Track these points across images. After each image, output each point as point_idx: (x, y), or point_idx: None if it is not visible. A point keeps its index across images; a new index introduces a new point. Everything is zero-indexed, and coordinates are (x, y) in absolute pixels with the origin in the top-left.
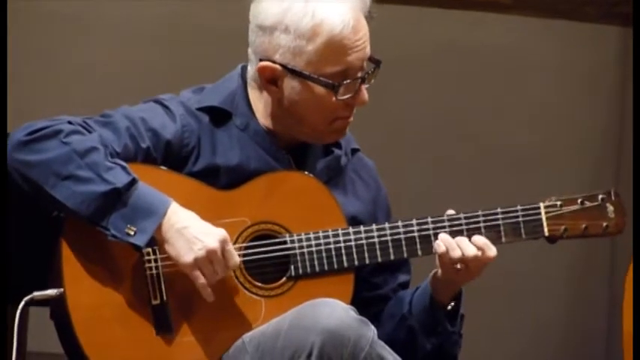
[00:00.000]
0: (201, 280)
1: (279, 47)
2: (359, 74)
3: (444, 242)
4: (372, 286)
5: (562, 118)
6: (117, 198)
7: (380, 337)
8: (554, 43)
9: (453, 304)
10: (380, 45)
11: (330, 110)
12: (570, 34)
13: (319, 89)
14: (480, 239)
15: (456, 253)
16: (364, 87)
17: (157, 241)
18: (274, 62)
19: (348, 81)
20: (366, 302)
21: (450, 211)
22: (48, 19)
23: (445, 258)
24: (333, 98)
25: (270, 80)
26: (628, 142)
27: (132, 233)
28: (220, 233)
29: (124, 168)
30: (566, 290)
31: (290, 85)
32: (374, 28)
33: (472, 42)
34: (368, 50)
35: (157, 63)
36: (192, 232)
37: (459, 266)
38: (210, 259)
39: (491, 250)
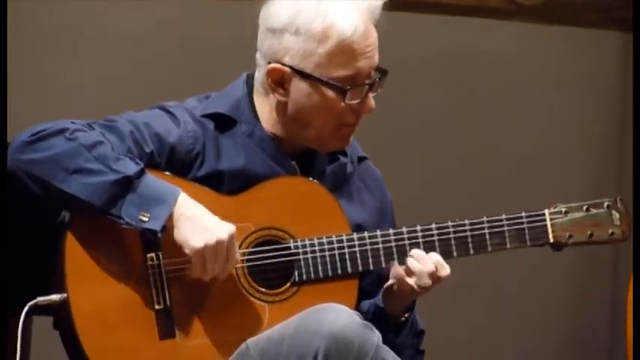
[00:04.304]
0: (199, 269)
1: (288, 49)
2: (367, 81)
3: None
4: (366, 296)
5: (564, 122)
6: (128, 186)
7: None
8: (556, 48)
9: (407, 315)
10: (384, 52)
11: (337, 115)
12: (571, 39)
13: (327, 92)
14: (434, 256)
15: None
16: (371, 95)
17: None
18: (283, 64)
19: (356, 87)
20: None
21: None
22: (48, 31)
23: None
24: (342, 103)
25: (278, 83)
26: (629, 146)
27: (146, 219)
28: (231, 227)
29: (131, 159)
30: (568, 297)
31: (298, 88)
32: (378, 34)
33: (475, 48)
34: (376, 58)
35: (157, 72)
36: (203, 221)
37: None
38: (217, 250)
39: (445, 269)
